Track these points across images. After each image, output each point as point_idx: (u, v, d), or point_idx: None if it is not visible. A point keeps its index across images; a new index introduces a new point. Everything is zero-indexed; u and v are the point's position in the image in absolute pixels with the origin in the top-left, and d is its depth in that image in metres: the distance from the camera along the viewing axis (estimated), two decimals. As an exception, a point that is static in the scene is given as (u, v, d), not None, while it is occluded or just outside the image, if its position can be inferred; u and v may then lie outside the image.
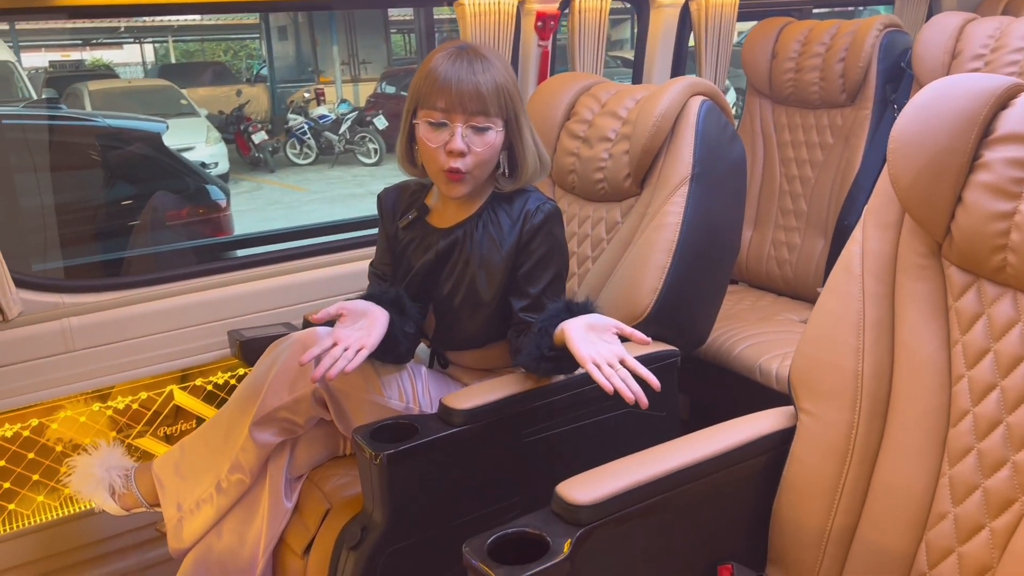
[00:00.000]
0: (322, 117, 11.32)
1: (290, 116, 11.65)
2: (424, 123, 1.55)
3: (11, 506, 1.89)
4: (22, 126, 3.93)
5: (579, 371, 1.66)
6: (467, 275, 1.64)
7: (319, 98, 11.91)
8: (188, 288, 1.99)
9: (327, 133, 11.23)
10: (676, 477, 1.28)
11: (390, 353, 1.60)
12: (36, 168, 3.64)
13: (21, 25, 13.55)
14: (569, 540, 1.17)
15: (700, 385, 2.19)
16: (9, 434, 1.85)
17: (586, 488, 1.23)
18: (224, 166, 8.83)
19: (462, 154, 1.53)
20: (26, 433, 1.88)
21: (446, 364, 1.81)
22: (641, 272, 1.79)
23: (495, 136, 1.56)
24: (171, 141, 7.52)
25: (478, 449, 1.55)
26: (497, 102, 1.54)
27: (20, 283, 1.81)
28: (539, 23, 2.28)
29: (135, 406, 2.00)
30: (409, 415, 1.59)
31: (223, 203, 4.38)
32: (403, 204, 1.74)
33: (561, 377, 1.61)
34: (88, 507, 1.92)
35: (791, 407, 1.37)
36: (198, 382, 2.06)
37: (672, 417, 1.81)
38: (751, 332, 2.22)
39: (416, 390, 1.67)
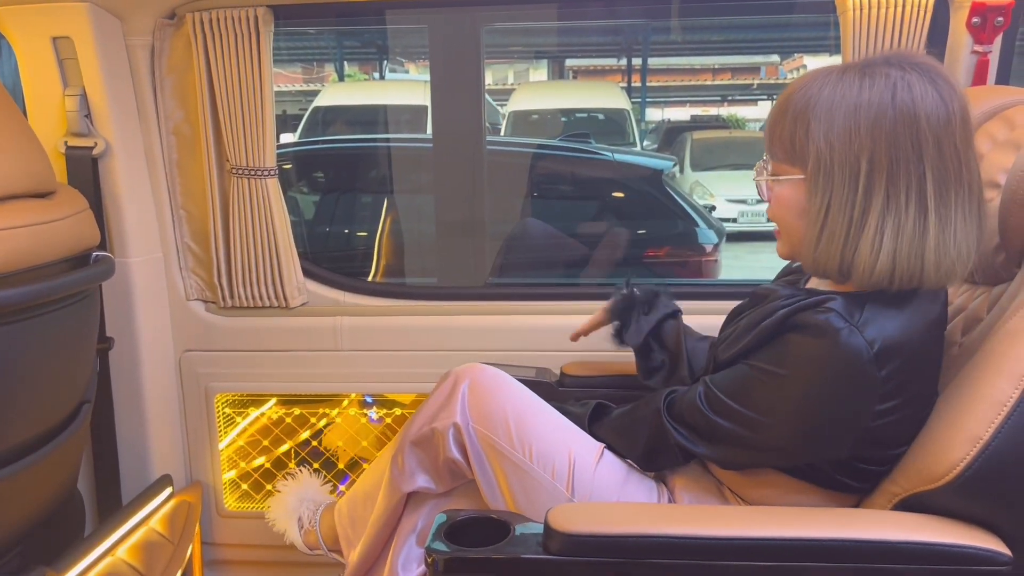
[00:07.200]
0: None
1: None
2: None
3: (268, 486, 1.95)
4: (536, 155, 4.25)
5: (816, 535, 1.04)
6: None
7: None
8: (461, 309, 1.82)
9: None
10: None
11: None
12: (530, 192, 3.92)
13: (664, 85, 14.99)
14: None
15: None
16: (275, 416, 1.91)
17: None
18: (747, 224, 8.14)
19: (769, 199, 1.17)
20: (288, 420, 1.92)
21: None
22: (965, 405, 1.04)
23: (788, 191, 1.11)
24: (725, 191, 7.39)
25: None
26: (790, 140, 1.08)
27: (308, 274, 1.85)
28: (976, 19, 1.55)
29: (388, 420, 1.90)
30: (511, 514, 1.16)
31: (709, 248, 4.14)
32: None
33: (768, 533, 1.03)
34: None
35: None
36: (454, 413, 1.86)
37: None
38: None
39: (575, 468, 1.22)
